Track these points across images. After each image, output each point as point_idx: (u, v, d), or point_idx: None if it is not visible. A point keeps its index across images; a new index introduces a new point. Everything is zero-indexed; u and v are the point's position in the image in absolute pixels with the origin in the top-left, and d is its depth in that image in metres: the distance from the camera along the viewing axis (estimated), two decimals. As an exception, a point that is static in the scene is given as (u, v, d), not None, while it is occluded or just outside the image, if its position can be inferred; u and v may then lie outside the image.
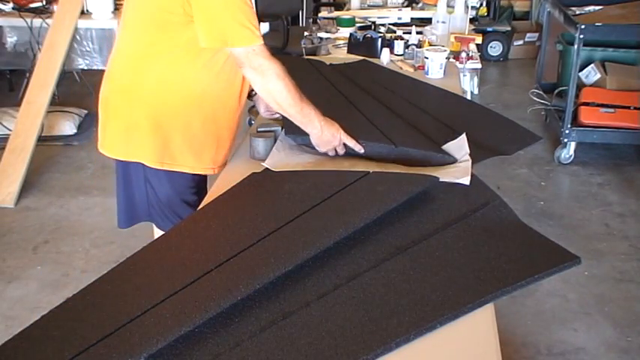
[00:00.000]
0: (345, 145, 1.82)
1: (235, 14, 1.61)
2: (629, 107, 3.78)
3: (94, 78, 4.63)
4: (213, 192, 1.73)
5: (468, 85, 3.36)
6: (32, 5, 4.12)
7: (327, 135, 1.78)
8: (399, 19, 4.10)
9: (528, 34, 6.07)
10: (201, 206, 1.65)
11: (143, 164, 1.82)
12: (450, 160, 1.79)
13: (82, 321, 1.23)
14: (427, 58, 2.68)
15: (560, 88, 4.17)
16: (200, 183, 1.95)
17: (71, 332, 1.19)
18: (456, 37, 3.21)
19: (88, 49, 4.10)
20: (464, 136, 1.90)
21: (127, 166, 1.87)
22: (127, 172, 1.90)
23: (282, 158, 1.84)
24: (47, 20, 4.00)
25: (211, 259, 1.35)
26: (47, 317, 1.25)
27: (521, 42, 6.07)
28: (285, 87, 1.69)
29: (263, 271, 1.28)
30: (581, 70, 3.94)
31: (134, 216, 1.98)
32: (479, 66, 3.22)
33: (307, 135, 1.82)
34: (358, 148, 1.81)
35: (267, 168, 1.78)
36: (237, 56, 1.68)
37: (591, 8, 4.07)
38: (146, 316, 1.19)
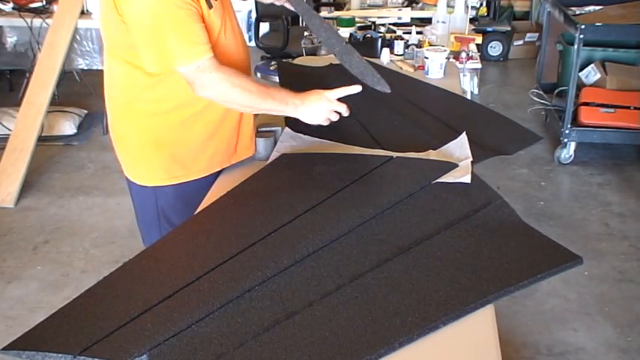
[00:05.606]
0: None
1: (170, 33, 1.52)
2: (629, 107, 3.78)
3: (94, 78, 4.63)
4: (214, 192, 1.73)
5: (468, 85, 3.36)
6: (32, 5, 4.12)
7: (313, 105, 1.72)
8: (399, 19, 4.10)
9: (528, 34, 6.07)
10: (200, 208, 1.64)
11: (154, 187, 1.77)
12: (452, 167, 1.79)
13: (87, 318, 1.23)
14: (427, 58, 2.68)
15: (560, 88, 4.17)
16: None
17: (73, 332, 1.19)
18: (456, 37, 3.21)
19: (88, 49, 4.10)
20: (464, 135, 1.90)
21: (139, 191, 1.82)
22: (139, 198, 1.86)
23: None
24: (47, 20, 4.00)
25: (236, 244, 1.41)
26: (70, 306, 1.26)
27: (521, 42, 6.07)
28: (244, 91, 1.61)
29: (302, 245, 1.39)
30: (581, 70, 3.94)
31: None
32: (479, 66, 3.21)
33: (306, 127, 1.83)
34: (344, 109, 1.75)
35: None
36: (185, 77, 1.58)
37: (591, 8, 4.07)
38: (159, 308, 1.22)
